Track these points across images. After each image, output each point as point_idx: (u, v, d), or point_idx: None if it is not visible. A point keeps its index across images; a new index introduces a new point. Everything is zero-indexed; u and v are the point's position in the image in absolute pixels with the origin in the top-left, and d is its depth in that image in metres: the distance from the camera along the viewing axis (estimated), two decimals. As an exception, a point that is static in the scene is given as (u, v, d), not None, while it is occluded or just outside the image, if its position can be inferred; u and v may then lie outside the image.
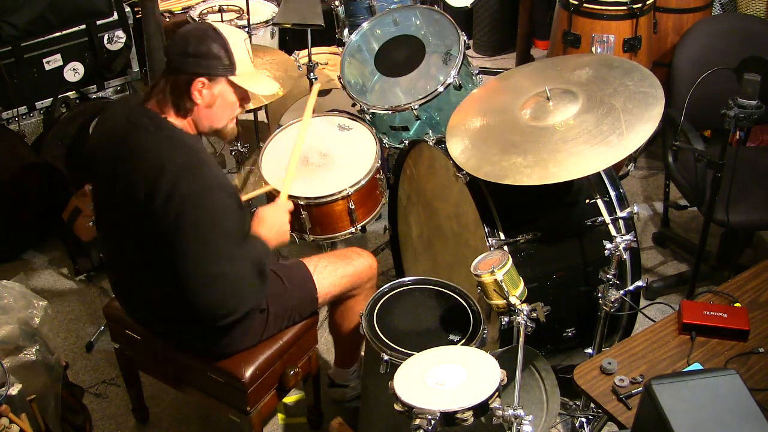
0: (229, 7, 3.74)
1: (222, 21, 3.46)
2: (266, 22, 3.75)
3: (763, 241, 3.35)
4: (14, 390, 1.98)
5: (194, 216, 1.83)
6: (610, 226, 2.19)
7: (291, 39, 4.16)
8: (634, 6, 3.28)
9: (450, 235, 2.59)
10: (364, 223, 2.74)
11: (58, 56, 3.55)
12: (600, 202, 2.25)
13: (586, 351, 2.35)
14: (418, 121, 2.82)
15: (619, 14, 3.32)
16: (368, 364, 2.22)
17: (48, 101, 3.58)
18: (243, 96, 1.98)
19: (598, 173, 2.36)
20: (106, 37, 3.67)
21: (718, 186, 2.36)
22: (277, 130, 2.92)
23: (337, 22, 3.46)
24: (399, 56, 2.97)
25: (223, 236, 1.86)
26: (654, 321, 2.12)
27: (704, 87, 2.43)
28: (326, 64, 3.51)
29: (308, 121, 2.53)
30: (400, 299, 2.23)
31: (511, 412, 1.62)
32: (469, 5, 4.10)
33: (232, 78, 1.92)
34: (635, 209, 2.24)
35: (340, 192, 2.62)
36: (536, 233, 2.30)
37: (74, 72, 3.63)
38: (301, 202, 2.60)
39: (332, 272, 2.32)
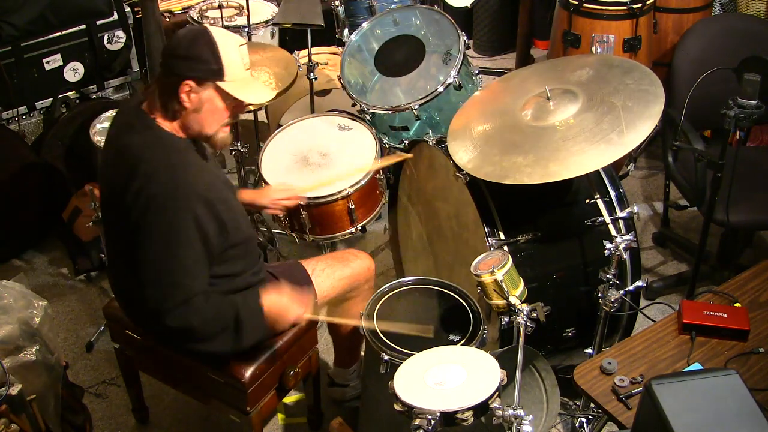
0: (229, 3, 3.74)
1: (221, 18, 3.46)
2: (266, 22, 3.75)
3: (763, 241, 3.35)
4: (14, 390, 1.98)
5: (155, 218, 1.84)
6: (610, 226, 2.19)
7: (291, 39, 4.16)
8: (634, 6, 3.28)
9: (450, 235, 2.59)
10: (364, 223, 2.74)
11: (58, 56, 3.55)
12: (600, 202, 2.25)
13: (586, 351, 2.35)
14: (418, 121, 2.82)
15: (619, 14, 3.32)
16: (368, 364, 2.22)
17: (48, 101, 3.58)
18: (236, 104, 1.94)
19: (598, 173, 2.37)
20: (106, 37, 3.67)
21: (718, 186, 2.36)
22: (277, 130, 2.92)
23: (337, 22, 3.46)
24: (399, 56, 2.97)
25: (183, 245, 1.85)
26: (654, 321, 2.12)
27: (704, 87, 2.43)
28: (326, 64, 3.51)
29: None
30: (400, 299, 2.23)
31: (511, 412, 1.62)
32: (469, 5, 4.10)
33: (220, 83, 1.88)
34: (635, 209, 2.24)
35: (340, 192, 2.62)
36: (536, 233, 2.30)
37: (74, 72, 3.63)
38: (301, 202, 2.60)
39: (330, 275, 2.32)
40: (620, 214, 2.26)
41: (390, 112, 2.83)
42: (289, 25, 3.16)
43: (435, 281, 2.29)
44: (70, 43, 3.56)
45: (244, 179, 3.26)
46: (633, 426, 1.61)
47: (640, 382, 1.87)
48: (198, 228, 1.86)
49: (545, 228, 2.32)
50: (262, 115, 3.86)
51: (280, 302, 2.03)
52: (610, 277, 2.16)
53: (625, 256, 2.12)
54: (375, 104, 2.87)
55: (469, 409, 1.59)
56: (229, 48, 1.89)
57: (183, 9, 4.11)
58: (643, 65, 2.31)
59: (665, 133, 2.93)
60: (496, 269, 1.93)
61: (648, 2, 3.33)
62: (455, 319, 2.15)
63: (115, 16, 3.66)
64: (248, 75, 1.95)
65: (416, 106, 2.75)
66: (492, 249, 2.22)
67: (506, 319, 2.17)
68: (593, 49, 3.37)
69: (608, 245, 2.12)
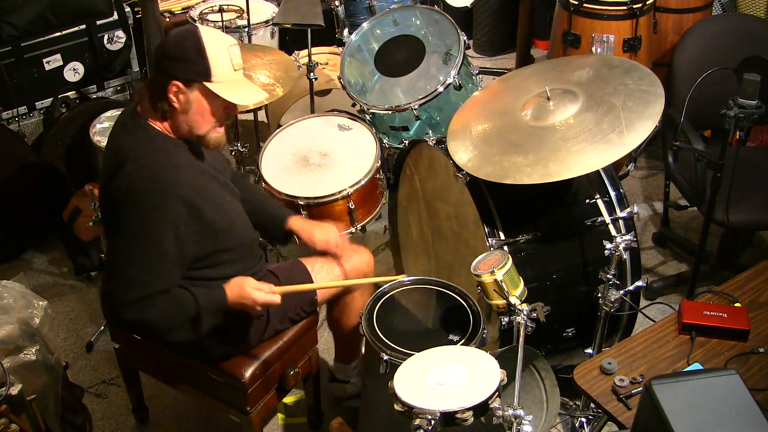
0: (230, 6, 3.74)
1: (222, 21, 3.46)
2: (266, 22, 3.75)
3: (763, 241, 3.35)
4: (14, 390, 1.98)
5: (127, 213, 1.85)
6: (610, 226, 2.19)
7: (291, 39, 4.16)
8: (634, 6, 3.28)
9: (450, 235, 2.59)
10: (364, 223, 2.74)
11: (58, 56, 3.55)
12: (600, 202, 2.25)
13: (586, 351, 2.35)
14: (418, 121, 2.82)
15: (619, 14, 3.32)
16: (368, 364, 2.22)
17: (48, 101, 3.58)
18: (227, 104, 1.92)
19: (598, 173, 2.37)
20: (106, 37, 3.67)
21: (718, 186, 2.36)
22: (277, 130, 2.92)
23: (337, 22, 3.46)
24: (399, 56, 2.97)
25: (151, 243, 1.85)
26: (654, 321, 2.12)
27: (704, 87, 2.43)
28: (326, 64, 3.51)
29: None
30: (400, 299, 2.23)
31: (511, 412, 1.62)
32: (469, 5, 4.11)
33: (207, 84, 1.87)
34: (635, 209, 2.24)
35: (340, 192, 2.62)
36: (536, 233, 2.30)
37: (74, 72, 3.63)
38: (301, 202, 2.60)
39: (330, 270, 2.32)
40: (620, 214, 2.26)
41: (390, 112, 2.83)
42: (289, 25, 3.16)
43: (435, 281, 2.29)
44: (70, 43, 3.56)
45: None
46: (633, 426, 1.61)
47: (640, 382, 1.87)
48: (173, 228, 1.86)
49: (545, 228, 2.32)
50: (262, 115, 3.86)
51: (244, 292, 1.98)
52: (610, 277, 2.16)
53: (625, 256, 2.12)
54: (375, 104, 2.87)
55: (469, 409, 1.59)
56: (218, 48, 1.87)
57: (183, 9, 4.11)
58: (643, 65, 2.31)
59: (665, 133, 2.93)
60: (496, 269, 1.93)
61: (648, 2, 3.33)
62: (455, 319, 2.15)
63: (115, 16, 3.66)
64: (238, 76, 1.93)
65: (416, 106, 2.75)
66: (492, 249, 2.22)
67: (506, 319, 2.17)
68: (593, 49, 3.37)
69: (608, 245, 2.12)
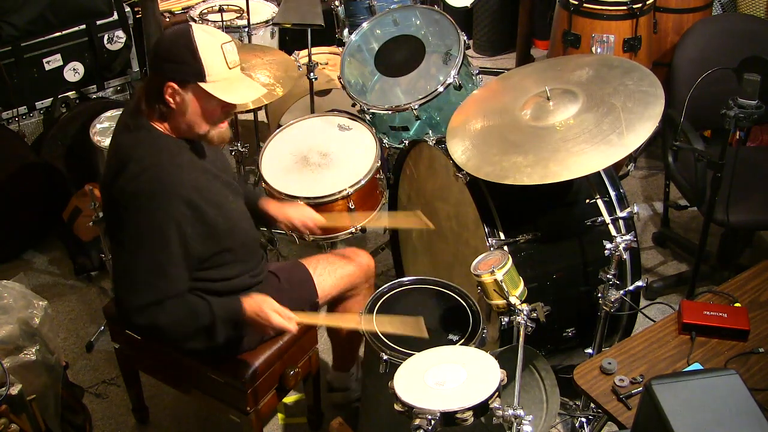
0: (230, 6, 3.74)
1: (222, 21, 3.46)
2: (266, 22, 3.75)
3: (763, 241, 3.35)
4: (14, 390, 1.98)
5: (133, 216, 1.85)
6: (610, 226, 2.19)
7: (291, 39, 4.16)
8: (634, 6, 3.28)
9: (450, 235, 2.59)
10: (364, 223, 2.74)
11: (58, 56, 3.55)
12: (600, 202, 2.25)
13: (586, 351, 2.35)
14: (418, 121, 2.82)
15: (619, 14, 3.32)
16: (368, 364, 2.22)
17: (48, 101, 3.58)
18: (224, 103, 1.91)
19: (598, 173, 2.36)
20: (106, 37, 3.67)
21: (718, 186, 2.36)
22: (277, 130, 2.92)
23: (337, 22, 3.46)
24: (399, 56, 2.97)
25: (158, 246, 1.84)
26: (654, 321, 2.12)
27: (704, 87, 2.43)
28: (326, 64, 3.51)
29: None
30: (399, 299, 2.23)
31: (511, 412, 1.62)
32: (469, 5, 4.11)
33: (201, 84, 1.86)
34: (635, 209, 2.24)
35: (340, 192, 2.62)
36: (536, 233, 2.30)
37: (74, 72, 3.63)
38: (301, 202, 2.60)
39: (332, 273, 2.32)
40: (620, 214, 2.26)
41: (390, 112, 2.83)
42: (289, 25, 3.16)
43: (435, 281, 2.29)
44: (70, 43, 3.56)
45: (244, 179, 3.26)
46: (633, 426, 1.61)
47: (640, 382, 1.87)
48: (177, 230, 1.85)
49: (545, 228, 2.32)
50: (262, 115, 3.86)
51: (263, 312, 1.97)
52: (610, 277, 2.16)
53: (625, 256, 2.12)
54: (375, 104, 2.87)
55: (469, 409, 1.59)
56: (210, 48, 1.86)
57: (183, 9, 4.11)
58: (643, 66, 2.31)
59: (665, 133, 2.93)
60: (496, 269, 1.93)
61: (648, 2, 3.33)
62: (455, 319, 2.15)
63: (115, 16, 3.66)
64: (234, 74, 1.91)
65: (416, 106, 2.75)
66: (492, 249, 2.22)
67: (506, 319, 2.17)
68: (593, 49, 3.37)
69: (608, 245, 2.12)
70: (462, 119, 2.43)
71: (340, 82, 2.99)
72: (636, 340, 2.02)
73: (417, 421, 1.59)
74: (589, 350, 2.34)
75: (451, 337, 2.10)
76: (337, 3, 3.36)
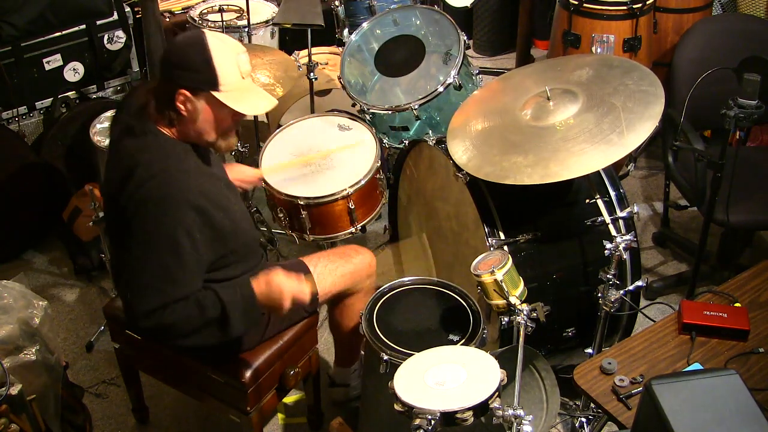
0: (229, 7, 3.74)
1: (222, 21, 3.46)
2: (266, 22, 3.75)
3: (763, 241, 3.35)
4: (14, 390, 1.98)
5: (142, 222, 1.84)
6: (610, 226, 2.19)
7: (291, 39, 4.15)
8: (634, 6, 3.28)
9: (450, 235, 2.59)
10: (364, 223, 2.74)
11: (58, 56, 3.55)
12: (600, 202, 2.25)
13: (586, 351, 2.35)
14: (418, 121, 2.82)
15: (619, 14, 3.32)
16: (368, 364, 2.22)
17: (48, 101, 3.58)
18: (234, 112, 1.91)
19: (598, 173, 2.37)
20: (106, 37, 3.67)
21: (718, 186, 2.36)
22: (277, 130, 2.92)
23: (337, 22, 3.46)
24: (399, 56, 2.97)
25: (167, 252, 1.84)
26: (654, 321, 2.12)
27: (704, 87, 2.43)
28: (326, 64, 3.51)
29: None
30: (400, 299, 2.23)
31: (511, 412, 1.62)
32: (469, 5, 4.10)
33: (214, 93, 1.86)
34: (635, 209, 2.24)
35: (340, 192, 2.62)
36: (536, 233, 2.30)
37: (74, 72, 3.63)
38: (301, 202, 2.60)
39: (332, 271, 2.32)
40: (620, 214, 2.26)
41: (390, 112, 2.83)
42: (289, 25, 3.16)
43: (435, 281, 2.29)
44: (70, 43, 3.56)
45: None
46: (633, 426, 1.61)
47: (640, 382, 1.87)
48: (187, 235, 1.84)
49: (545, 228, 2.32)
50: (262, 115, 3.85)
51: (273, 281, 1.94)
52: (610, 277, 2.16)
53: (625, 256, 2.12)
54: (375, 104, 2.87)
55: (469, 409, 1.59)
56: (225, 56, 1.85)
57: (183, 9, 4.11)
58: (643, 65, 2.31)
59: (665, 133, 2.93)
60: (496, 269, 1.93)
61: (648, 2, 3.33)
62: (455, 319, 2.15)
63: (115, 16, 3.66)
64: (247, 84, 1.91)
65: (416, 106, 2.75)
66: (492, 249, 2.22)
67: (506, 319, 2.17)
68: (593, 49, 3.37)
69: (608, 245, 2.12)
70: (462, 120, 2.43)
71: (340, 82, 2.99)
72: (636, 340, 2.02)
73: (417, 421, 1.59)
74: (589, 350, 2.34)
75: (451, 337, 2.10)
76: (337, 3, 3.36)
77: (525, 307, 1.94)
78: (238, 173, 2.44)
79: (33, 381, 2.20)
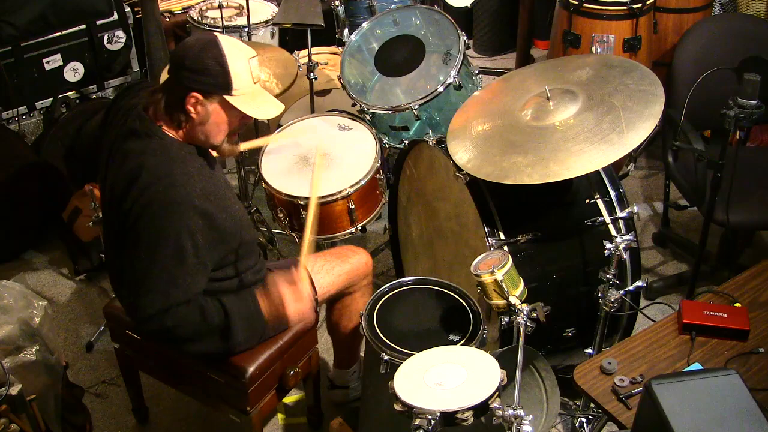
0: (229, 4, 3.74)
1: (222, 19, 3.46)
2: (266, 22, 3.75)
3: (763, 241, 3.35)
4: (14, 390, 1.98)
5: (147, 226, 1.84)
6: (610, 226, 2.19)
7: (291, 39, 4.16)
8: (634, 6, 3.28)
9: (450, 235, 2.59)
10: (364, 223, 2.74)
11: (58, 56, 3.55)
12: (600, 202, 2.25)
13: (586, 351, 2.35)
14: (418, 121, 2.82)
15: (619, 14, 3.32)
16: (368, 364, 2.22)
17: (48, 101, 3.58)
18: (243, 115, 1.92)
19: (598, 173, 2.36)
20: (106, 37, 3.67)
21: (718, 186, 2.36)
22: (277, 130, 2.92)
23: (337, 22, 3.46)
24: (399, 56, 2.97)
25: (171, 255, 1.84)
26: (654, 321, 2.12)
27: (704, 87, 2.43)
28: (326, 64, 3.51)
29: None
30: (400, 299, 2.23)
31: (511, 412, 1.62)
32: (469, 5, 4.10)
33: (227, 97, 1.87)
34: (635, 209, 2.24)
35: (340, 192, 2.62)
36: (536, 233, 2.30)
37: (74, 72, 3.63)
38: (301, 202, 2.60)
39: (330, 271, 2.32)
40: (620, 214, 2.26)
41: (390, 112, 2.83)
42: (289, 25, 3.16)
43: (435, 281, 2.29)
44: (70, 43, 3.57)
45: (244, 179, 3.26)
46: (633, 426, 1.61)
47: (640, 382, 1.87)
48: (191, 239, 1.85)
49: (545, 228, 2.32)
50: (262, 115, 3.85)
51: (280, 298, 1.97)
52: (610, 277, 2.16)
53: (625, 256, 2.12)
54: (375, 104, 2.87)
55: (469, 409, 1.59)
56: (238, 61, 1.86)
57: (183, 9, 4.11)
58: (643, 65, 2.31)
59: (665, 133, 2.93)
60: (496, 269, 1.93)
61: (648, 2, 3.33)
62: (455, 319, 2.15)
63: (115, 16, 3.66)
64: (257, 88, 1.92)
65: (416, 106, 2.75)
66: (492, 249, 2.22)
67: (506, 319, 2.17)
68: (593, 49, 3.37)
69: (608, 245, 2.12)
70: (462, 120, 2.43)
71: (340, 82, 2.99)
72: (636, 340, 2.02)
73: (417, 421, 1.59)
74: (589, 350, 2.34)
75: (451, 337, 2.10)
76: (337, 3, 3.36)
77: (525, 307, 1.94)
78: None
79: (33, 381, 2.20)
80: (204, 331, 1.92)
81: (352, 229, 2.70)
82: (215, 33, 1.94)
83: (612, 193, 2.34)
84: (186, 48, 1.87)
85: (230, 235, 1.96)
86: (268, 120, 3.76)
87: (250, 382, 2.12)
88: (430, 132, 2.58)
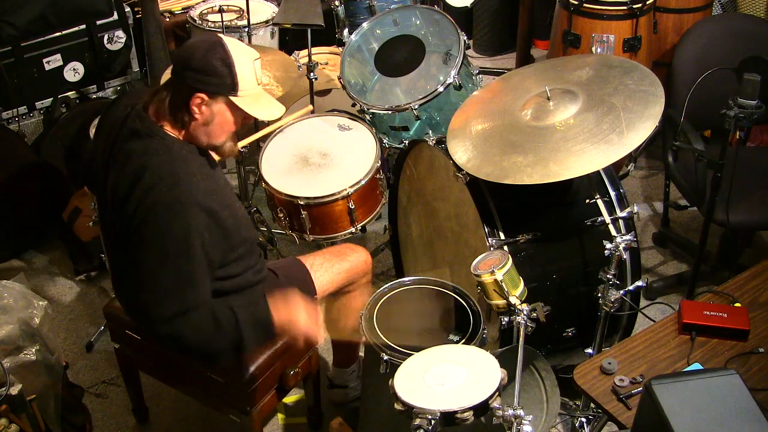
0: (229, 7, 3.74)
1: (222, 21, 3.47)
2: (266, 22, 3.75)
3: (763, 241, 3.35)
4: (14, 390, 1.98)
5: (154, 228, 1.83)
6: (610, 226, 2.19)
7: (291, 39, 4.16)
8: (634, 6, 3.28)
9: (450, 235, 2.59)
10: (364, 223, 2.74)
11: (58, 56, 3.55)
12: (600, 202, 2.25)
13: (586, 351, 2.35)
14: (418, 121, 2.82)
15: (619, 14, 3.32)
16: (368, 364, 2.22)
17: (48, 101, 3.58)
18: (244, 115, 1.93)
19: (598, 173, 2.36)
20: (106, 37, 3.67)
21: (718, 186, 2.36)
22: (277, 130, 2.92)
23: (337, 22, 3.46)
24: (399, 56, 2.97)
25: (181, 256, 1.83)
26: (654, 321, 2.12)
27: (704, 87, 2.43)
28: (326, 64, 3.51)
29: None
30: (400, 299, 2.23)
31: (511, 412, 1.62)
32: (469, 5, 4.11)
33: (232, 98, 1.87)
34: (635, 209, 2.23)
35: (340, 192, 2.62)
36: (536, 233, 2.30)
37: (74, 72, 3.63)
38: (301, 202, 2.61)
39: (329, 269, 2.32)
40: (620, 214, 2.26)
41: (390, 112, 2.83)
42: (289, 25, 3.16)
43: (435, 281, 2.29)
44: (70, 43, 3.57)
45: (244, 179, 3.26)
46: (633, 426, 1.61)
47: (640, 382, 1.87)
48: (199, 238, 1.84)
49: (545, 228, 2.32)
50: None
51: (294, 319, 2.01)
52: (610, 277, 2.16)
53: (625, 256, 2.12)
54: (375, 104, 2.87)
55: (469, 409, 1.59)
56: (244, 62, 1.87)
57: (183, 9, 4.11)
58: (643, 65, 2.31)
59: (665, 133, 2.93)
60: (496, 269, 1.93)
61: (648, 2, 3.33)
62: (455, 319, 2.15)
63: (115, 16, 3.66)
64: (260, 90, 1.94)
65: (416, 106, 2.75)
66: (492, 249, 2.22)
67: (506, 319, 2.17)
68: (593, 49, 3.37)
69: (608, 245, 2.12)
70: (462, 120, 2.43)
71: (340, 82, 2.99)
72: (636, 340, 2.02)
73: (417, 421, 1.59)
74: (589, 350, 2.34)
75: (451, 337, 2.10)
76: (337, 3, 3.36)
77: (525, 307, 1.94)
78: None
79: (33, 381, 2.20)
80: (216, 339, 1.92)
81: (352, 229, 2.70)
82: (219, 34, 1.94)
83: (612, 193, 2.34)
84: (192, 49, 1.87)
85: (233, 233, 1.96)
86: (268, 121, 3.77)
87: (250, 382, 2.12)
88: (430, 132, 2.58)
